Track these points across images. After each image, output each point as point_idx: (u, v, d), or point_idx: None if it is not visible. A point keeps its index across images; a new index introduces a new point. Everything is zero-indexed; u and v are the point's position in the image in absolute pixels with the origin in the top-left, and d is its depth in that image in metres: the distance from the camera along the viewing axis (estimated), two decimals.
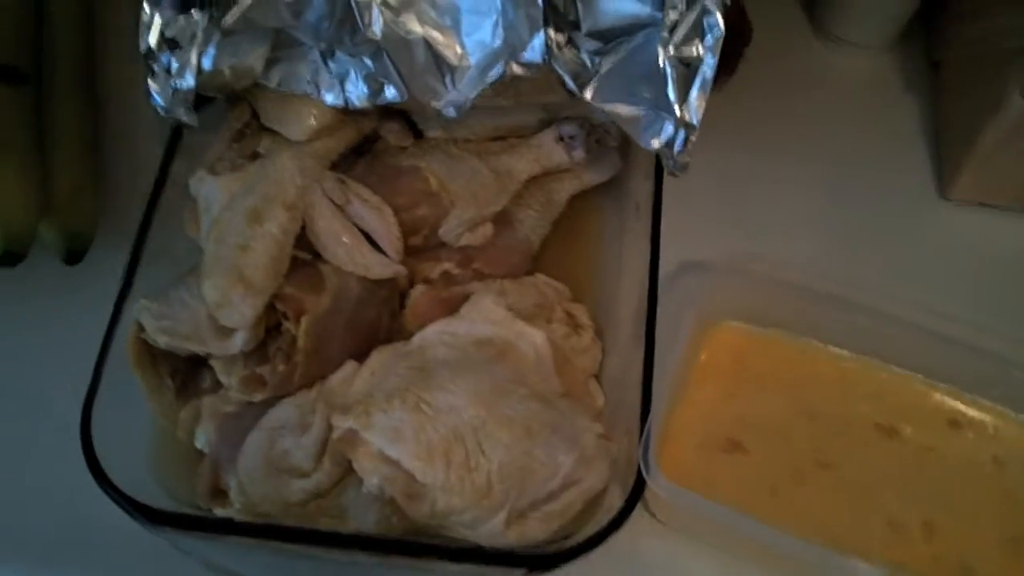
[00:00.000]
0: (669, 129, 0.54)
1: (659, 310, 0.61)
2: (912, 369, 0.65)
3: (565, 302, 0.65)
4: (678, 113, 0.52)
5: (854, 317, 0.64)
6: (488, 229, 0.65)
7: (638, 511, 0.58)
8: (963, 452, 0.63)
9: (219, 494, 0.58)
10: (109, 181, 0.72)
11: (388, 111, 0.66)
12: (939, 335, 0.63)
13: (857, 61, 0.83)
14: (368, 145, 0.68)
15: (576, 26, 0.55)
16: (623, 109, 0.54)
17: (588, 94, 0.54)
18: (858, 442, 0.63)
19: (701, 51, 0.51)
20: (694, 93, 0.52)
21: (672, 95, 0.52)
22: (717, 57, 0.51)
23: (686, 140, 0.53)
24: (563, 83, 0.55)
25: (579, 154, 0.66)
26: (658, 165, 0.61)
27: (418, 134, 0.67)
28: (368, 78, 0.60)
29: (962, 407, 0.64)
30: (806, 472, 0.61)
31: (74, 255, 0.66)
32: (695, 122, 0.52)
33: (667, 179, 0.64)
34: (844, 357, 0.65)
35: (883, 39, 0.83)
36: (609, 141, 0.69)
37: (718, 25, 0.51)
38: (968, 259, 0.73)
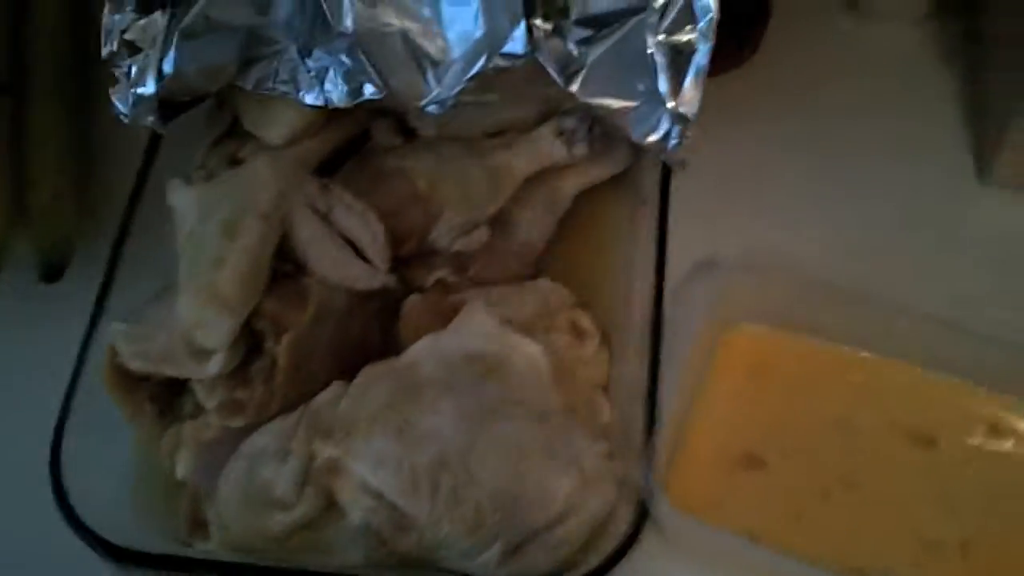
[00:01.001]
0: (662, 121, 0.49)
1: (669, 313, 0.57)
2: (951, 373, 0.59)
3: (569, 308, 0.61)
4: (670, 105, 0.48)
5: (885, 317, 0.59)
6: (483, 233, 0.61)
7: (650, 532, 0.54)
8: (1005, 462, 0.57)
9: (200, 526, 0.54)
10: (95, 192, 0.69)
11: (379, 109, 0.62)
12: (979, 335, 0.57)
13: (888, 34, 0.77)
14: (358, 145, 0.64)
15: (565, 13, 0.51)
16: (613, 102, 0.50)
17: (575, 87, 0.50)
18: (891, 454, 0.57)
19: (694, 36, 0.47)
20: (688, 83, 0.47)
21: (664, 86, 0.47)
22: (712, 43, 0.46)
23: (681, 134, 0.48)
24: (547, 75, 0.50)
25: (581, 149, 0.62)
26: None
27: (411, 133, 0.63)
28: (347, 76, 0.56)
29: (1004, 413, 0.58)
30: (832, 490, 0.56)
31: (53, 270, 0.63)
32: (691, 115, 0.48)
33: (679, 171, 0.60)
34: (874, 361, 0.60)
35: (917, 10, 0.76)
36: (619, 134, 0.64)
37: (711, 7, 0.46)
38: (1010, 250, 0.66)
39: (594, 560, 0.49)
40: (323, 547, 0.53)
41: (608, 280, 0.65)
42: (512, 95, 0.57)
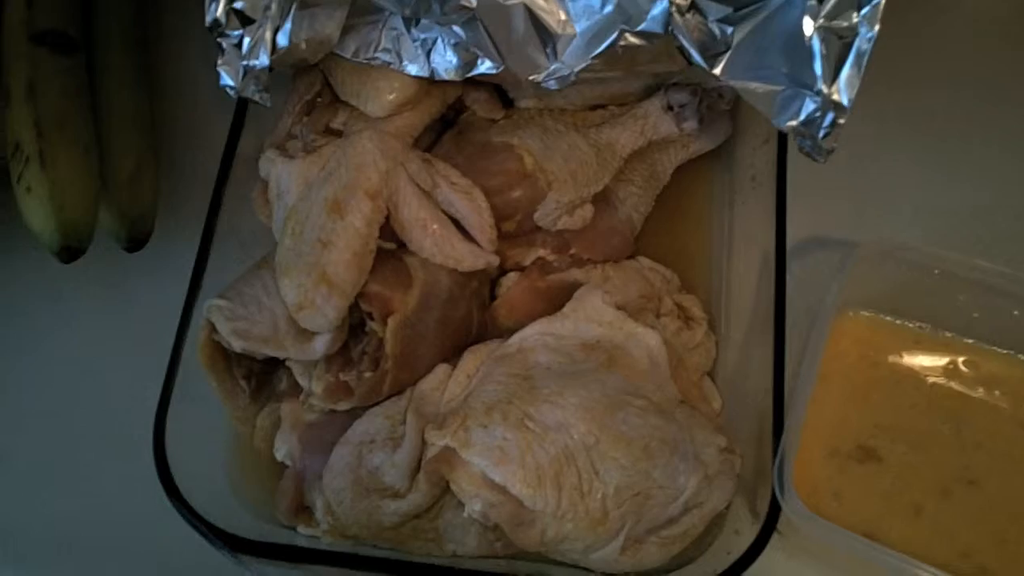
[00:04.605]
0: (809, 107, 0.46)
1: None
2: None
3: (675, 292, 0.59)
4: (826, 91, 0.45)
5: (1000, 306, 0.57)
6: (587, 211, 0.58)
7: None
8: None
9: (302, 511, 0.53)
10: (164, 158, 0.66)
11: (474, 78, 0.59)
12: None
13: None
14: (453, 115, 0.61)
15: None
16: (759, 87, 0.47)
17: (719, 69, 0.47)
18: (1009, 451, 0.56)
19: (857, 21, 0.44)
20: (847, 70, 0.44)
21: (820, 70, 0.45)
22: (876, 29, 0.43)
23: (833, 123, 0.46)
24: (687, 57, 0.48)
25: (691, 125, 0.59)
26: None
27: (507, 103, 0.61)
28: (458, 48, 0.53)
29: None
30: (952, 488, 0.55)
31: (136, 241, 0.61)
32: (846, 102, 0.45)
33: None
34: (989, 352, 0.58)
35: None
36: (720, 106, 0.61)
37: None
38: None
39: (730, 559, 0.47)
40: (434, 536, 0.51)
41: (705, 260, 0.63)
42: (632, 72, 0.53)
